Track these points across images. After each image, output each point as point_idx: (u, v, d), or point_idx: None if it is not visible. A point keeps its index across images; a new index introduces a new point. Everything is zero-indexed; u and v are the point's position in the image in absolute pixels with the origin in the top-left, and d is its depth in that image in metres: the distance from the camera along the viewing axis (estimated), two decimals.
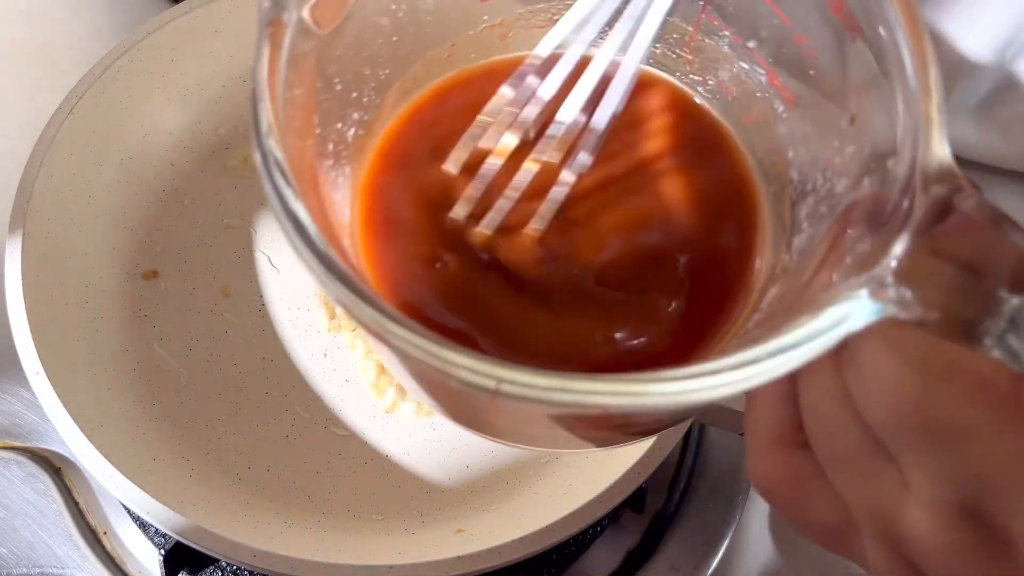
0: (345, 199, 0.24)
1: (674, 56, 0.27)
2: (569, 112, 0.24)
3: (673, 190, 0.26)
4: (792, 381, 0.19)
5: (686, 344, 0.24)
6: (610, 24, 0.24)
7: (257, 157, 0.17)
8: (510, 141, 0.24)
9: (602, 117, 0.24)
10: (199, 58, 0.40)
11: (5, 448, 0.39)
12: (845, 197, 0.20)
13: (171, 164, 0.41)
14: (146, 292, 0.38)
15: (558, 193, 0.24)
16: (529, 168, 0.24)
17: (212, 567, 0.37)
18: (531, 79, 0.24)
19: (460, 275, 0.23)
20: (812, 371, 0.17)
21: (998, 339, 0.15)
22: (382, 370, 0.37)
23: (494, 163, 0.24)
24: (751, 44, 0.24)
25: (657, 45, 0.27)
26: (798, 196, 0.23)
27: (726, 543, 0.39)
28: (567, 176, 0.24)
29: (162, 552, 0.36)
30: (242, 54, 0.41)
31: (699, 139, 0.26)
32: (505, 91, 0.24)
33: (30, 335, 0.30)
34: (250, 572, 0.36)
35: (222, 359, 0.37)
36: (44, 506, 0.38)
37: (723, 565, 0.40)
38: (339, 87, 0.23)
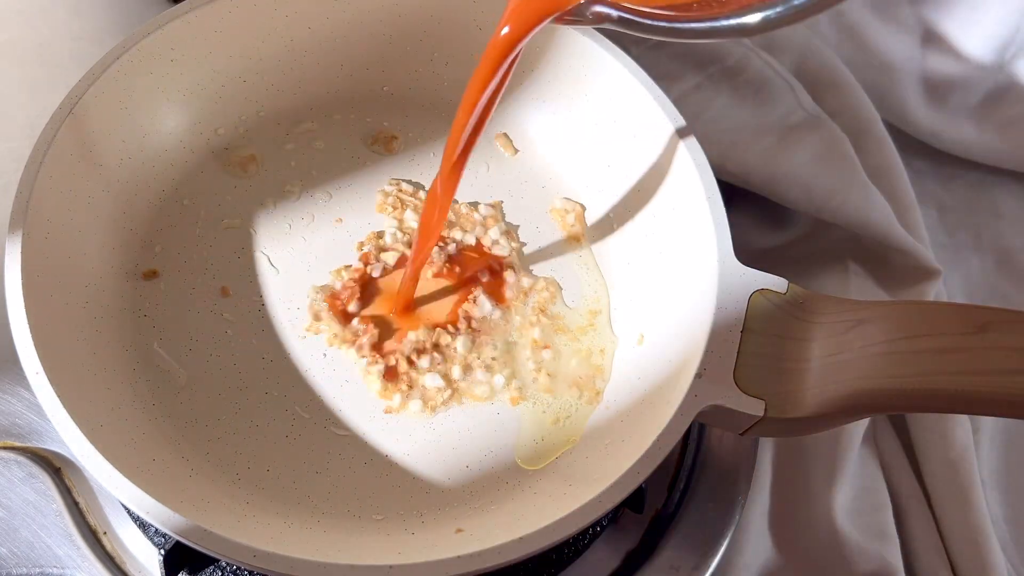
0: None
1: None
2: None
3: None
4: None
5: None
6: None
7: None
8: None
9: None
10: (199, 58, 0.40)
11: (5, 448, 0.39)
12: None
13: (171, 164, 0.40)
14: (146, 292, 0.38)
15: None
16: None
17: (212, 567, 0.37)
18: None
19: None
20: None
21: None
22: (389, 376, 0.37)
23: None
24: None
25: None
26: None
27: (726, 543, 0.39)
28: None
29: (162, 552, 0.36)
30: (242, 54, 0.41)
31: None
32: None
33: (30, 335, 0.30)
34: (250, 572, 0.36)
35: (222, 359, 0.37)
36: (44, 506, 0.38)
37: (723, 565, 0.40)
38: None
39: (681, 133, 0.37)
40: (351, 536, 0.33)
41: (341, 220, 0.41)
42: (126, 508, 0.38)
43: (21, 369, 0.30)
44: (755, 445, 0.42)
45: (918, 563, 0.43)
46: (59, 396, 0.29)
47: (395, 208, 0.42)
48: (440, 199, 0.36)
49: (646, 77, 0.39)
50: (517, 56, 0.31)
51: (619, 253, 0.41)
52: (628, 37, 0.49)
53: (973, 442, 0.45)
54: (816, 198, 0.48)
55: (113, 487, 0.28)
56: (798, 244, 0.52)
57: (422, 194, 0.42)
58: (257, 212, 0.41)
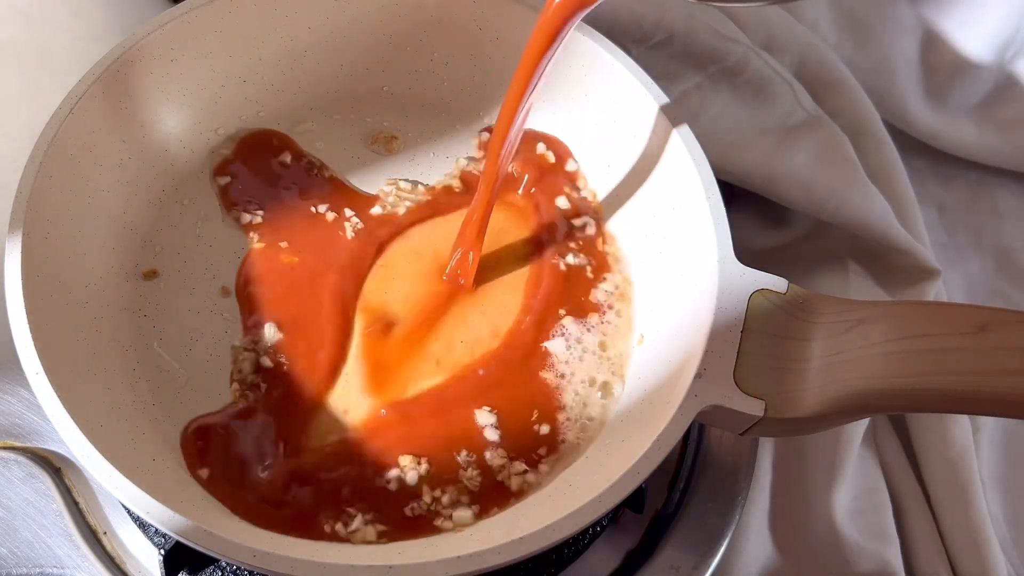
0: None
1: None
2: None
3: None
4: None
5: None
6: None
7: None
8: None
9: None
10: (199, 58, 0.40)
11: (5, 448, 0.39)
12: None
13: (171, 164, 0.41)
14: (146, 292, 0.38)
15: None
16: None
17: (212, 567, 0.37)
18: None
19: None
20: None
21: None
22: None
23: None
24: None
25: None
26: None
27: (726, 543, 0.39)
28: None
29: (162, 552, 0.36)
30: (242, 54, 0.41)
31: None
32: None
33: (30, 335, 0.30)
34: (250, 572, 0.36)
35: (222, 359, 0.37)
36: (44, 506, 0.38)
37: (723, 565, 0.40)
38: None
39: (681, 133, 0.37)
40: None
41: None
42: (126, 508, 0.38)
43: (21, 369, 0.30)
44: (755, 445, 0.42)
45: (918, 563, 0.43)
46: (59, 396, 0.29)
47: (394, 207, 0.42)
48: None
49: (646, 77, 0.39)
50: (566, 32, 0.32)
51: None
52: (628, 37, 0.49)
53: (973, 442, 0.45)
54: (816, 198, 0.48)
55: (113, 487, 0.28)
56: (798, 244, 0.52)
57: (420, 187, 0.42)
58: None
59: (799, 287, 0.33)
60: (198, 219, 0.40)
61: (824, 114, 0.51)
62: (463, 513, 0.33)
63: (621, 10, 0.47)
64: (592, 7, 0.31)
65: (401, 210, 0.41)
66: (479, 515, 0.34)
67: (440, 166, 0.43)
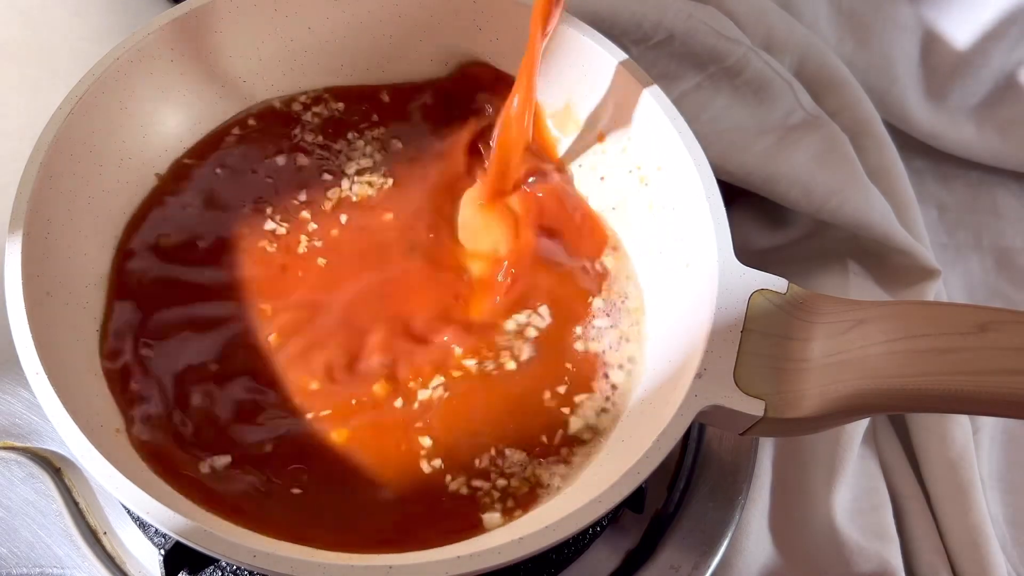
0: None
1: None
2: None
3: None
4: None
5: None
6: None
7: None
8: None
9: None
10: (199, 58, 0.40)
11: (5, 448, 0.39)
12: None
13: (171, 164, 0.40)
14: None
15: None
16: None
17: (212, 567, 0.37)
18: None
19: None
20: None
21: None
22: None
23: None
24: None
25: None
26: None
27: (726, 543, 0.39)
28: None
29: (162, 552, 0.36)
30: (242, 54, 0.41)
31: None
32: None
33: (30, 335, 0.30)
34: (250, 572, 0.36)
35: None
36: (44, 506, 0.38)
37: (723, 565, 0.40)
38: None
39: (681, 133, 0.37)
40: None
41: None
42: (126, 508, 0.38)
43: (21, 369, 0.30)
44: (755, 445, 0.42)
45: (918, 563, 0.43)
46: (59, 396, 0.29)
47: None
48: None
49: (646, 77, 0.39)
50: None
51: None
52: (628, 37, 0.49)
53: (973, 442, 0.45)
54: (816, 198, 0.48)
55: (113, 487, 0.28)
56: (798, 244, 0.52)
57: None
58: None
59: (799, 287, 0.33)
60: None
61: (824, 114, 0.51)
62: (492, 516, 0.33)
63: (621, 10, 0.47)
64: None
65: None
66: (506, 518, 0.34)
67: None
